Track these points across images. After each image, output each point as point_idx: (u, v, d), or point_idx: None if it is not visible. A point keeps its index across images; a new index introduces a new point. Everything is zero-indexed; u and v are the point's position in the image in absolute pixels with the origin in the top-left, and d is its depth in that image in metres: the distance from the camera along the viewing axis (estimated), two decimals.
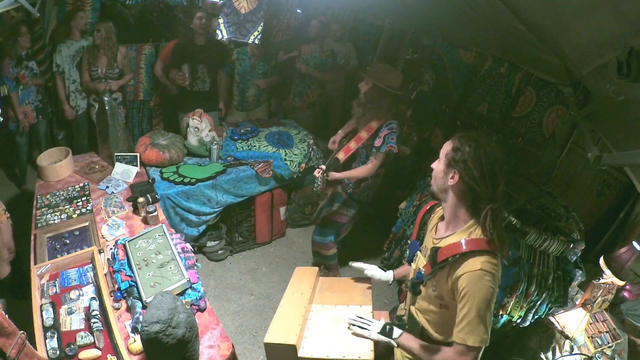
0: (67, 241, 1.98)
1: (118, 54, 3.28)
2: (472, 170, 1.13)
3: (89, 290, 1.69)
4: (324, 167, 2.28)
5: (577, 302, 2.29)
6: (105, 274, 1.76)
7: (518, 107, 2.89)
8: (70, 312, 1.58)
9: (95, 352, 1.43)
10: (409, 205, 2.77)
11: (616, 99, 1.09)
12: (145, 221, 2.17)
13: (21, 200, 3.48)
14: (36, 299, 1.60)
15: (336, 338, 1.46)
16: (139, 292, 1.65)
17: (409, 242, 1.53)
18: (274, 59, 3.71)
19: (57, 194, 2.31)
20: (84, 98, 3.43)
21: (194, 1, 4.22)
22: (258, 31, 2.57)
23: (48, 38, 3.45)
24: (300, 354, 1.39)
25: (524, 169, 2.96)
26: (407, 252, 1.48)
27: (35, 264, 1.79)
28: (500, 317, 2.14)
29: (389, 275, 1.69)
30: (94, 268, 1.77)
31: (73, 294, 1.65)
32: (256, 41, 2.60)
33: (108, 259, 1.84)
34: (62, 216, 2.12)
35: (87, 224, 2.10)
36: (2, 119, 2.07)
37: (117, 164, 2.59)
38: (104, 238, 2.03)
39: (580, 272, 2.21)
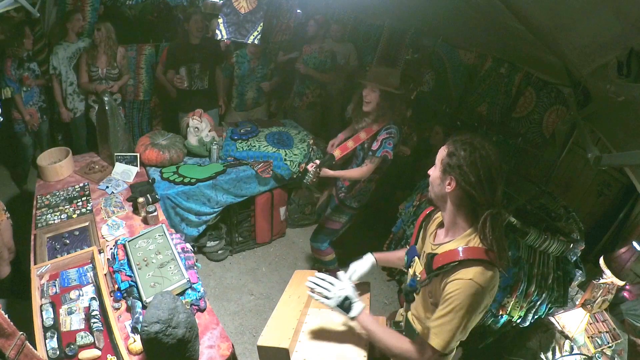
0: (67, 241, 1.97)
1: (117, 54, 3.28)
2: (468, 175, 1.10)
3: (88, 291, 1.69)
4: (318, 162, 2.27)
5: (577, 302, 2.29)
6: (105, 274, 1.76)
7: (518, 108, 2.89)
8: (70, 312, 1.57)
9: (95, 352, 1.43)
10: (409, 205, 2.77)
11: (616, 99, 1.10)
12: (145, 221, 2.17)
13: (21, 200, 3.48)
14: (36, 299, 1.60)
15: (331, 343, 1.44)
16: (138, 292, 1.65)
17: (408, 246, 1.50)
18: (273, 61, 3.71)
19: (57, 194, 2.31)
20: (82, 100, 3.42)
21: (193, 1, 4.23)
22: (258, 31, 2.57)
23: (48, 38, 3.45)
24: (294, 358, 1.38)
25: (524, 169, 2.96)
26: (405, 258, 1.44)
27: (35, 264, 1.79)
28: (500, 317, 2.14)
29: (368, 259, 1.58)
30: (94, 268, 1.77)
31: (73, 294, 1.65)
32: (256, 41, 2.61)
33: (108, 259, 1.84)
34: (62, 216, 2.12)
35: (87, 224, 2.10)
36: (2, 119, 2.07)
37: (117, 164, 2.59)
38: (103, 238, 2.03)
39: (580, 272, 2.21)
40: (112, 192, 2.40)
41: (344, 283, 1.38)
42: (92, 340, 1.46)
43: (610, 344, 2.23)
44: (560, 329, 2.23)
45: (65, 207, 2.20)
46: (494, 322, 2.18)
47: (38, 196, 2.29)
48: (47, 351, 1.39)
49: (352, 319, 1.32)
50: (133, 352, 1.46)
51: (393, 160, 2.32)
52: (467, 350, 2.36)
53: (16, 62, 3.01)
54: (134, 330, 1.53)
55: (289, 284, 1.74)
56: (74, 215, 2.13)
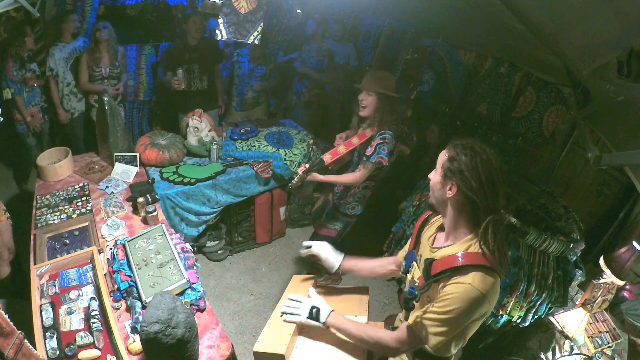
0: (67, 241, 1.97)
1: (118, 53, 3.29)
2: (470, 180, 1.08)
3: (88, 291, 1.69)
4: (307, 165, 2.17)
5: (577, 302, 2.29)
6: (104, 274, 1.76)
7: (518, 107, 2.88)
8: (69, 312, 1.57)
9: (95, 352, 1.43)
10: (409, 205, 2.77)
11: (616, 99, 1.09)
12: (145, 221, 2.17)
13: (21, 200, 3.48)
14: (36, 299, 1.60)
15: (328, 349, 1.41)
16: (138, 292, 1.64)
17: (397, 253, 1.49)
18: (273, 61, 3.72)
19: (57, 194, 2.31)
20: (79, 100, 3.41)
21: (193, 1, 4.23)
22: (258, 31, 2.57)
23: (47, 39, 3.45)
24: None
25: (524, 169, 2.96)
26: (404, 263, 1.42)
27: (35, 264, 1.79)
28: (500, 317, 2.14)
29: (337, 258, 1.59)
30: (94, 268, 1.77)
31: (73, 294, 1.65)
32: (256, 41, 2.60)
33: (108, 259, 1.84)
34: (62, 216, 2.12)
35: (86, 224, 2.10)
36: (2, 119, 2.06)
37: (117, 164, 2.59)
38: (103, 238, 2.03)
39: (580, 272, 2.21)
40: (112, 192, 2.40)
41: (311, 298, 1.44)
42: (92, 340, 1.46)
43: (610, 344, 2.22)
44: (560, 328, 2.23)
45: (65, 207, 2.19)
46: (494, 322, 2.18)
47: (38, 196, 2.29)
48: (46, 351, 1.39)
49: (324, 324, 1.34)
50: (132, 352, 1.46)
51: (393, 160, 2.30)
52: (467, 350, 2.36)
53: (18, 63, 3.00)
54: (134, 330, 1.53)
55: (287, 289, 1.71)
56: (74, 215, 2.13)
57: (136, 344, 1.46)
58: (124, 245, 1.88)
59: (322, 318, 1.34)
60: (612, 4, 0.88)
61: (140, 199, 2.18)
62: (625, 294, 2.51)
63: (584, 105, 1.71)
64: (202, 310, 1.69)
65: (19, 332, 1.13)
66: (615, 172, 2.75)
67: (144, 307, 1.60)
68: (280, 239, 3.42)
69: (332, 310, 1.36)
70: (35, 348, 1.27)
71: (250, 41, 2.59)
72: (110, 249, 1.91)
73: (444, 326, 1.10)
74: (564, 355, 2.16)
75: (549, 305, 2.11)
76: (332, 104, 4.13)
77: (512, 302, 2.07)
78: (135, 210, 2.23)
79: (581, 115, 1.72)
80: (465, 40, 3.13)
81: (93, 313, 1.54)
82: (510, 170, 2.69)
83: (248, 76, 3.51)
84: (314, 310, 1.37)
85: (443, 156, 1.18)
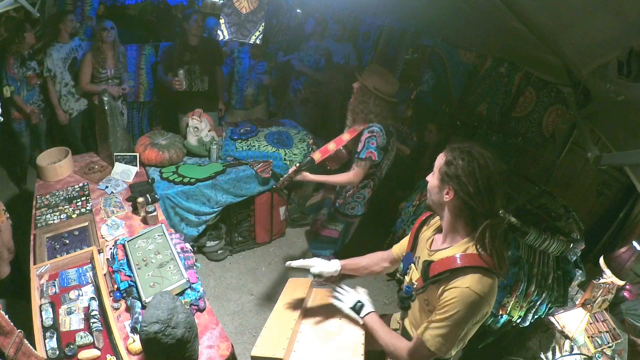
0: (67, 241, 1.97)
1: (119, 52, 3.29)
2: (467, 185, 1.08)
3: (88, 290, 1.69)
4: (298, 165, 2.12)
5: (577, 302, 2.29)
6: (104, 274, 1.76)
7: (518, 107, 2.89)
8: (69, 312, 1.57)
9: (95, 352, 1.43)
10: (409, 205, 2.77)
11: (616, 98, 1.09)
12: (145, 221, 2.16)
13: (21, 200, 3.47)
14: (35, 299, 1.59)
15: (326, 353, 1.40)
16: (138, 292, 1.64)
17: (404, 253, 1.49)
18: (273, 59, 3.72)
19: (57, 194, 2.31)
20: (77, 100, 3.40)
21: (193, 1, 4.23)
22: (259, 31, 2.57)
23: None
24: None
25: (524, 169, 2.96)
26: (402, 265, 1.43)
27: (34, 264, 1.79)
28: (500, 317, 2.14)
29: (335, 265, 1.59)
30: (94, 268, 1.77)
31: (72, 294, 1.65)
32: (257, 41, 2.60)
33: (107, 259, 1.84)
34: (62, 216, 2.12)
35: (86, 224, 2.10)
36: (2, 119, 2.06)
37: (117, 164, 2.59)
38: (103, 238, 2.03)
39: (580, 272, 2.21)
40: (112, 192, 2.40)
41: (359, 293, 1.49)
42: (92, 340, 1.46)
43: (610, 344, 2.22)
44: (560, 328, 2.23)
45: (65, 207, 2.19)
46: (494, 322, 2.18)
47: (38, 196, 2.28)
48: (46, 351, 1.39)
49: (362, 319, 1.39)
50: (132, 352, 1.46)
51: (393, 160, 2.29)
52: (467, 350, 2.36)
53: (18, 61, 3.00)
54: (134, 330, 1.53)
55: (283, 292, 1.69)
56: (74, 215, 2.13)
57: (136, 344, 1.46)
58: (123, 245, 1.88)
59: (363, 313, 1.39)
60: (612, 4, 0.88)
61: (140, 199, 2.18)
62: (625, 293, 2.51)
63: (584, 105, 1.71)
64: (202, 310, 1.69)
65: (19, 330, 1.13)
66: (615, 172, 2.75)
67: (143, 307, 1.60)
68: (280, 239, 3.41)
69: (373, 311, 1.40)
70: (35, 348, 1.28)
71: (251, 41, 2.59)
72: (110, 249, 1.91)
73: (447, 331, 1.10)
74: (564, 355, 2.16)
75: (549, 305, 2.11)
76: (332, 103, 4.13)
77: (512, 302, 2.07)
78: (135, 210, 2.23)
79: (581, 115, 1.72)
80: (465, 40, 3.13)
81: (93, 313, 1.54)
82: (510, 170, 2.69)
83: (248, 72, 3.50)
84: (358, 304, 1.42)
85: (440, 160, 1.18)
